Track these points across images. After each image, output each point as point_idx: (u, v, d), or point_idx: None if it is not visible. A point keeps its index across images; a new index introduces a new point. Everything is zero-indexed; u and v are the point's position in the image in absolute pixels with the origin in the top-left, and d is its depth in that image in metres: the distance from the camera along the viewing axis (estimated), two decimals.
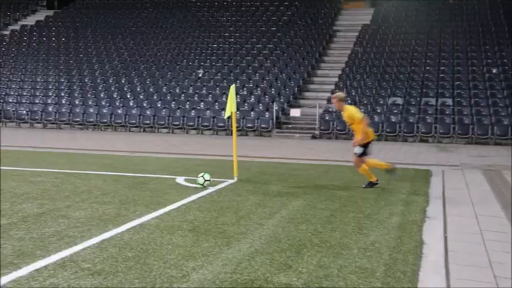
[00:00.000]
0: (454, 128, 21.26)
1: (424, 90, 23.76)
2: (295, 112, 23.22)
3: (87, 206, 8.10)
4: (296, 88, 24.99)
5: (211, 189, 9.53)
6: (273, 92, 24.70)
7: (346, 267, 5.48)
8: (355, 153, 10.06)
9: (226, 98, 11.46)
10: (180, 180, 10.53)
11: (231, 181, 10.42)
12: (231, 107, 10.72)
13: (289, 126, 23.17)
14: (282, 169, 12.68)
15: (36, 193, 9.03)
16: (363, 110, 22.70)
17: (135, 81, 26.78)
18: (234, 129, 11.11)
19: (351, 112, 9.96)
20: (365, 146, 10.03)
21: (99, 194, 9.03)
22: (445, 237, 6.72)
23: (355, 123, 9.94)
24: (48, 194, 9.01)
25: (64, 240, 6.21)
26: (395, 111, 22.43)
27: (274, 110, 23.02)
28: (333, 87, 24.79)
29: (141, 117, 23.94)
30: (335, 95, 10.27)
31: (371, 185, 10.12)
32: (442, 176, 11.91)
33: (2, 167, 11.96)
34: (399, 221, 7.52)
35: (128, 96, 25.50)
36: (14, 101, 25.99)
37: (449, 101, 22.80)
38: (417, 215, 7.91)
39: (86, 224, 6.99)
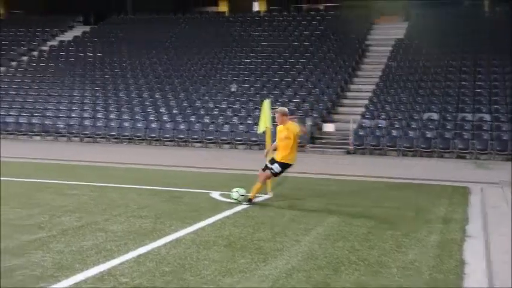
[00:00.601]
0: (491, 144, 20.82)
1: (460, 105, 23.38)
2: (329, 127, 23.09)
3: (124, 219, 8.17)
4: (329, 103, 24.89)
5: (246, 205, 9.51)
6: (306, 107, 24.65)
7: (385, 287, 5.38)
8: (272, 170, 9.75)
9: (259, 113, 11.45)
10: (215, 195, 10.54)
11: (265, 196, 10.38)
12: (265, 122, 10.72)
13: (323, 141, 23.06)
14: (316, 185, 12.60)
15: (74, 206, 9.16)
16: (398, 126, 22.57)
17: (169, 96, 27.09)
18: (268, 144, 11.07)
19: (295, 129, 9.77)
20: (284, 167, 9.79)
21: (136, 208, 9.10)
22: (487, 257, 6.55)
23: (292, 140, 9.74)
24: (86, 207, 9.13)
25: (102, 254, 6.26)
26: (431, 127, 22.11)
27: (307, 125, 22.95)
28: (366, 102, 24.61)
29: (175, 131, 24.16)
30: (278, 109, 10.10)
31: (250, 201, 9.74)
32: (481, 194, 11.64)
33: (39, 180, 12.20)
34: (438, 240, 7.37)
35: (162, 111, 25.79)
36: (52, 115, 26.54)
37: (487, 117, 22.36)
38: (457, 234, 7.73)
39: (123, 237, 7.04)
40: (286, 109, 10.28)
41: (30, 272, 5.58)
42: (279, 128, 9.99)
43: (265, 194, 10.39)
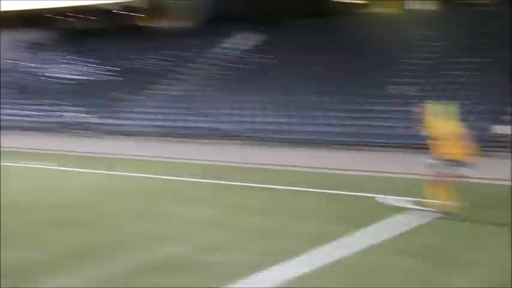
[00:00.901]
0: None
1: None
2: (503, 129, 21.40)
3: (301, 222, 8.29)
4: (503, 103, 23.09)
5: (435, 213, 8.81)
6: (477, 109, 23.11)
7: None
8: (443, 170, 8.94)
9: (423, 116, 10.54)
10: (390, 199, 10.05)
11: (453, 204, 9.50)
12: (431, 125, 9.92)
13: (497, 143, 21.39)
14: (503, 192, 11.48)
15: (253, 207, 9.48)
16: None
17: (335, 99, 27.01)
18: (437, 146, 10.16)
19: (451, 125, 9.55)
20: (452, 164, 8.96)
21: (309, 211, 9.22)
22: None
23: (448, 136, 9.38)
24: (265, 208, 9.40)
25: (288, 257, 6.27)
26: None
27: (481, 127, 21.40)
28: None
29: (330, 133, 24.02)
30: (428, 106, 9.82)
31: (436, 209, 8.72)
32: None
33: (215, 181, 12.67)
34: None
35: (328, 114, 25.83)
36: (220, 119, 27.92)
37: None
38: None
39: (307, 241, 7.03)
40: (438, 108, 9.90)
41: (221, 268, 5.87)
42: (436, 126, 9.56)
43: (452, 202, 9.56)
